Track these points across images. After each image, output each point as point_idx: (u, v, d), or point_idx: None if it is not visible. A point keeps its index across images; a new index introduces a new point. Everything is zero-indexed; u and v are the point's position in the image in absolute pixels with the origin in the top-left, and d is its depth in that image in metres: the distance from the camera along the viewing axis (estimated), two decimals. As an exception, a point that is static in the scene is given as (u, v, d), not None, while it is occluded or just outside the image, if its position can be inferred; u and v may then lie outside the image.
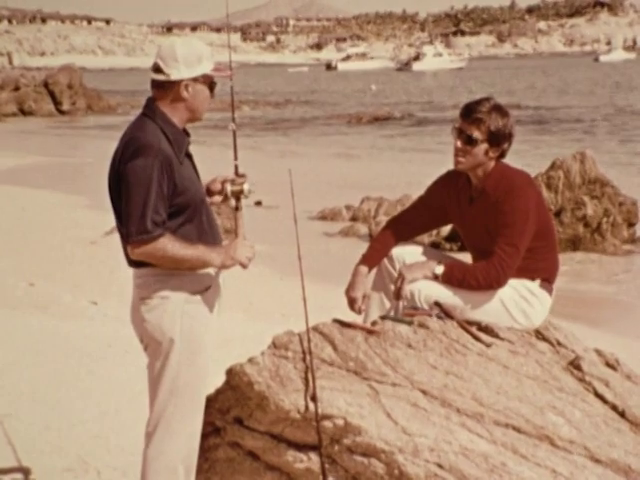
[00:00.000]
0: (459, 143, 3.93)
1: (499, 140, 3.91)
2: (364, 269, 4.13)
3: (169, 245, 3.47)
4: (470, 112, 3.91)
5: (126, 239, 3.50)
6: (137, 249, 3.47)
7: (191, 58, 3.58)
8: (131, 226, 3.45)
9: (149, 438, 3.67)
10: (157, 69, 3.59)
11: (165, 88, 3.60)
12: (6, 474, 5.01)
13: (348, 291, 4.09)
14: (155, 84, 3.62)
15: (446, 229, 13.10)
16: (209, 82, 3.65)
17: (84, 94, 52.65)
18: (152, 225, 3.43)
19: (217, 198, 3.92)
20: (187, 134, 3.69)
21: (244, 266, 3.64)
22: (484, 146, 3.91)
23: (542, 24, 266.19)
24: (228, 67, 3.78)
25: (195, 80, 3.60)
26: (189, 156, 3.72)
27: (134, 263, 3.60)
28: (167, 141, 3.55)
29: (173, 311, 3.59)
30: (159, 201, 3.45)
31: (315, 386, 3.51)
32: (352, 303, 4.07)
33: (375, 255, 4.17)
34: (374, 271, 4.18)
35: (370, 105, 50.53)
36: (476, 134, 3.89)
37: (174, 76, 3.57)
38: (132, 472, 3.98)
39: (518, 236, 3.84)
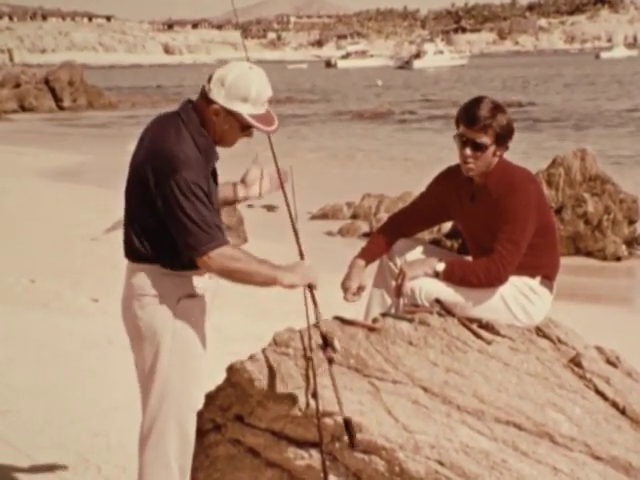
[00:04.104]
0: (468, 151, 3.87)
1: (505, 138, 3.90)
2: (361, 262, 4.13)
3: (241, 253, 3.43)
4: (475, 119, 3.83)
5: (196, 252, 3.41)
6: (213, 259, 3.39)
7: (236, 92, 3.46)
8: (198, 238, 3.37)
9: (144, 442, 3.65)
10: (209, 78, 3.52)
11: (205, 100, 3.51)
12: None
13: (343, 282, 4.09)
14: (201, 90, 3.54)
15: (447, 226, 13.11)
16: (242, 124, 3.51)
17: (85, 91, 52.70)
18: (218, 230, 3.40)
19: (255, 190, 3.90)
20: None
21: (313, 287, 3.56)
22: (492, 148, 3.89)
23: (543, 21, 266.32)
24: (275, 120, 3.59)
25: (228, 112, 3.48)
26: (213, 172, 3.65)
27: (134, 257, 3.56)
28: (198, 151, 3.48)
29: (166, 311, 3.55)
30: (212, 210, 3.42)
31: (316, 383, 3.51)
32: (345, 292, 4.07)
33: (374, 250, 4.17)
34: (373, 267, 4.18)
35: (371, 102, 50.49)
36: (484, 139, 3.84)
37: (211, 95, 3.48)
38: (132, 469, 3.99)
39: (519, 233, 3.84)
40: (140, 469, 3.69)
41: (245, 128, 3.54)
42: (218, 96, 3.47)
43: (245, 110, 3.48)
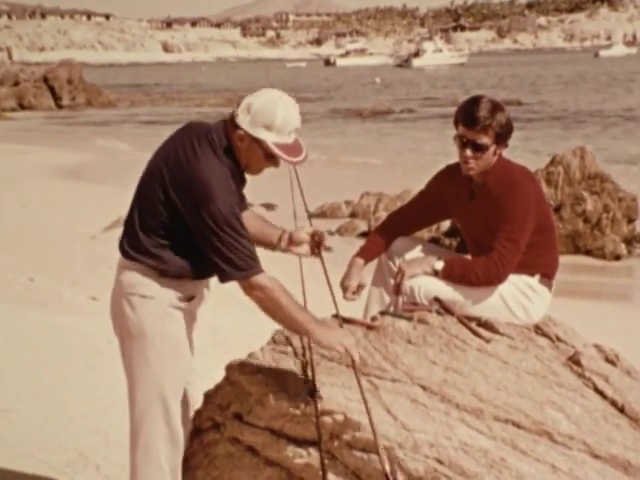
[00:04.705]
0: (469, 152, 3.86)
1: (505, 137, 3.89)
2: (360, 261, 4.13)
3: (283, 291, 3.43)
4: (474, 120, 3.82)
5: (230, 278, 3.40)
6: (250, 287, 3.39)
7: (260, 119, 3.41)
8: (233, 265, 3.36)
9: (134, 443, 3.63)
10: (239, 103, 3.49)
11: (233, 124, 3.48)
12: None
13: (342, 280, 4.08)
14: (230, 114, 3.51)
15: (445, 224, 13.12)
16: (266, 152, 3.47)
17: (84, 89, 52.76)
18: (253, 258, 3.39)
19: (304, 249, 3.89)
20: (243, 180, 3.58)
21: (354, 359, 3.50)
22: (493, 148, 3.88)
23: (542, 19, 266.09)
24: (303, 152, 3.52)
25: (252, 139, 3.44)
26: (241, 196, 3.62)
27: (130, 254, 3.51)
28: (228, 176, 3.45)
29: (157, 312, 3.52)
30: (247, 236, 3.41)
31: (315, 382, 3.51)
32: (345, 291, 4.06)
33: (373, 248, 4.16)
34: (372, 265, 4.18)
35: (370, 100, 50.49)
36: (485, 140, 3.83)
37: (237, 120, 3.45)
38: (131, 467, 4.01)
39: (518, 232, 3.83)
40: (132, 469, 3.68)
41: (270, 157, 3.48)
42: (243, 122, 3.43)
43: (269, 138, 3.43)
